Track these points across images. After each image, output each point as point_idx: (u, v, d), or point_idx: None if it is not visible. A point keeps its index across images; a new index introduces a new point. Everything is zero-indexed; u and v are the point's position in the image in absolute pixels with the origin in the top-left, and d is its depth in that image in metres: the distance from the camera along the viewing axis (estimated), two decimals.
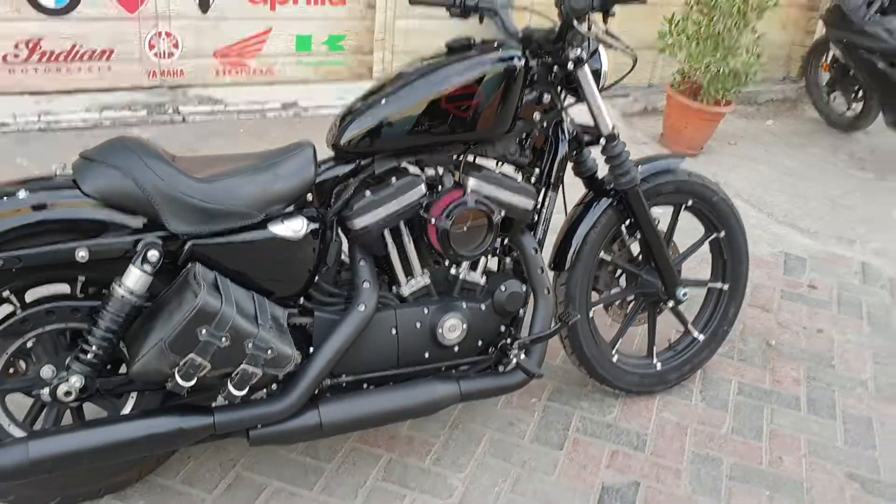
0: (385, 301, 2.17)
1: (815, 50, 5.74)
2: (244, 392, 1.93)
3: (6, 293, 1.87)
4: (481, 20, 2.31)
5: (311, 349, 2.07)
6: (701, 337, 2.80)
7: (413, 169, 2.17)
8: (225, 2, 4.35)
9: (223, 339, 1.81)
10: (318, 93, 4.63)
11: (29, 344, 1.90)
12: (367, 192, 2.08)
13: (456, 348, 2.25)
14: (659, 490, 2.39)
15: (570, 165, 2.42)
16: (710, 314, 2.82)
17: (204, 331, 1.79)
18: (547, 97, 2.27)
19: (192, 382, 1.85)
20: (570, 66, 2.22)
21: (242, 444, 2.20)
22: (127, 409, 2.01)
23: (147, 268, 1.82)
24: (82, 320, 1.89)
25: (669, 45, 4.70)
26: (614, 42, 2.24)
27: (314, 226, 2.01)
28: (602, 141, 2.37)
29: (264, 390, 2.05)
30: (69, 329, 1.92)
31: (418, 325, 2.19)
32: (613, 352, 2.64)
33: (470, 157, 2.22)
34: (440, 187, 2.17)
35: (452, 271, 2.26)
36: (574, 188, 2.46)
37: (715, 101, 4.69)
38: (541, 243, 2.35)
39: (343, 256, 2.18)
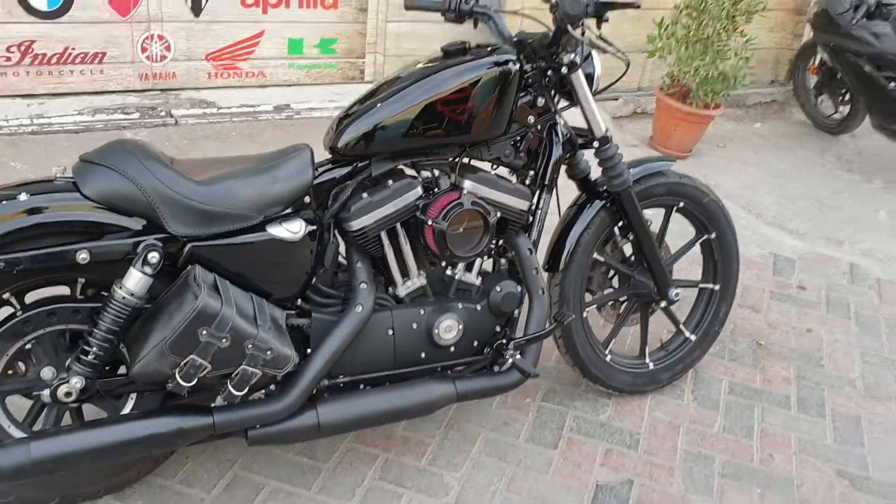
0: (382, 302, 2.20)
1: (803, 54, 5.80)
2: (244, 392, 1.95)
3: (7, 295, 1.88)
4: (475, 25, 2.35)
5: (309, 350, 2.08)
6: (692, 337, 2.83)
7: (409, 171, 2.20)
8: (217, 5, 4.36)
9: (223, 339, 1.83)
10: (310, 95, 4.65)
11: (29, 346, 1.91)
12: (364, 195, 2.11)
13: (452, 349, 2.27)
14: (652, 488, 2.42)
15: (563, 168, 2.45)
16: (702, 314, 2.86)
17: (204, 332, 1.81)
18: (541, 100, 2.30)
19: (193, 383, 1.87)
20: (564, 70, 2.25)
21: (240, 445, 2.22)
22: (126, 410, 2.02)
23: (147, 270, 1.84)
24: (83, 322, 1.91)
25: (659, 48, 4.73)
26: (607, 47, 2.27)
27: (312, 228, 2.03)
28: (595, 143, 2.41)
29: (263, 391, 2.07)
30: (69, 330, 1.94)
31: (414, 325, 2.21)
32: (607, 352, 2.67)
33: (465, 160, 2.25)
34: (436, 189, 2.19)
35: (448, 272, 2.29)
36: (567, 190, 2.49)
37: (704, 104, 4.73)
38: (535, 244, 2.38)
39: (340, 258, 2.20)
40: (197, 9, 4.33)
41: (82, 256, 1.80)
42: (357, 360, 2.16)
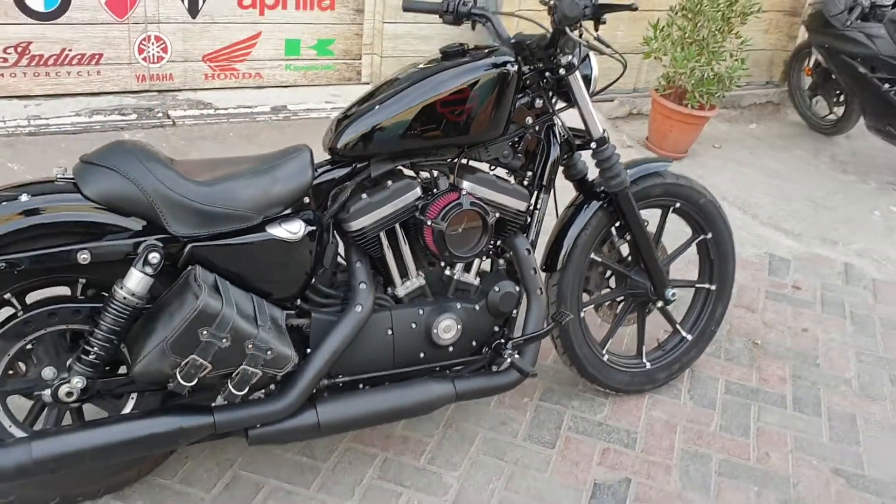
0: (381, 302, 2.21)
1: (798, 55, 5.82)
2: (244, 392, 1.96)
3: (7, 295, 1.89)
4: (473, 26, 2.36)
5: (308, 350, 2.09)
6: (689, 337, 2.85)
7: (408, 172, 2.21)
8: (214, 6, 4.36)
9: (224, 339, 1.84)
10: (307, 96, 4.66)
11: (30, 346, 1.92)
12: (364, 195, 2.12)
13: (451, 348, 2.28)
14: (650, 486, 2.44)
15: (560, 169, 2.46)
16: (698, 314, 2.87)
17: (205, 332, 1.82)
18: (539, 102, 2.31)
19: (194, 382, 1.88)
20: (562, 71, 2.26)
21: (240, 444, 2.24)
22: (127, 410, 2.03)
23: (148, 270, 1.85)
24: (83, 322, 1.92)
25: (654, 49, 4.75)
26: (605, 49, 2.28)
27: (311, 228, 2.04)
28: (593, 144, 2.42)
29: (263, 390, 2.08)
30: (70, 330, 1.94)
31: (413, 325, 2.22)
32: (604, 351, 2.68)
33: (464, 160, 2.26)
34: (435, 190, 2.21)
35: (447, 272, 2.30)
36: (565, 191, 2.51)
37: (699, 105, 4.75)
38: (533, 244, 2.39)
39: (339, 258, 2.21)
40: (194, 10, 4.33)
41: (83, 257, 1.81)
42: (356, 360, 2.17)
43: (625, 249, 2.66)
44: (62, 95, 4.16)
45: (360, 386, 2.21)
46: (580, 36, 2.21)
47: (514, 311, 2.37)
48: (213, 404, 1.99)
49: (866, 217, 4.55)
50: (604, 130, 2.42)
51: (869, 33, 4.95)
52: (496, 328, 2.37)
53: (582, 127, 2.41)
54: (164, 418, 1.93)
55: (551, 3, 2.18)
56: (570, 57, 2.26)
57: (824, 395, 2.95)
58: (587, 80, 2.37)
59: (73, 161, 1.92)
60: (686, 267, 3.13)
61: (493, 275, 2.41)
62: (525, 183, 2.37)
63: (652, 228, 2.64)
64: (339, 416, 2.12)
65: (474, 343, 2.33)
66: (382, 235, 2.16)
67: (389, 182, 2.14)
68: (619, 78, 2.37)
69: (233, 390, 1.94)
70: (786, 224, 4.30)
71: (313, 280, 2.12)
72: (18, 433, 1.96)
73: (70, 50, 4.11)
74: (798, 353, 3.17)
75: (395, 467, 2.38)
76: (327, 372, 2.10)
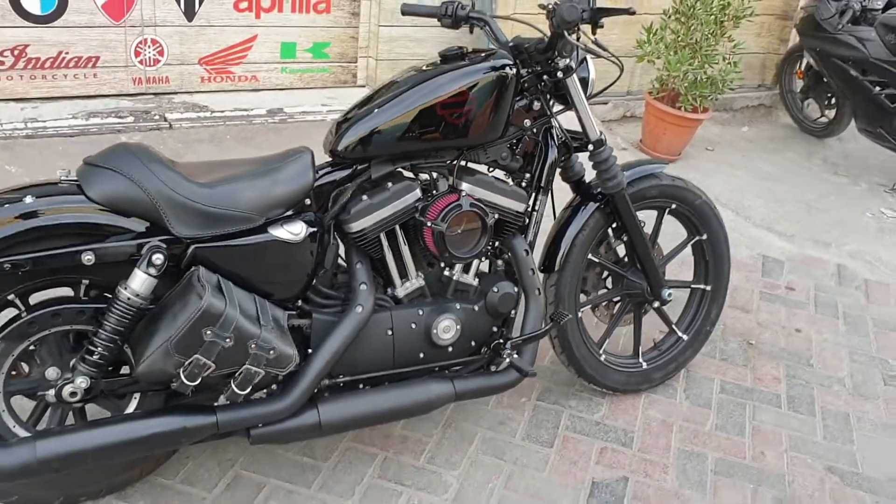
0: (381, 302, 2.23)
1: (790, 58, 5.87)
2: (247, 391, 1.97)
3: (11, 296, 1.90)
4: (471, 30, 2.39)
5: (310, 350, 2.11)
6: (685, 337, 2.87)
7: (408, 174, 2.23)
8: (210, 9, 4.38)
9: (227, 339, 1.85)
10: (303, 99, 4.67)
11: (33, 346, 1.93)
12: (364, 197, 2.14)
13: (450, 348, 2.30)
14: (647, 484, 2.46)
15: (557, 171, 2.49)
16: (694, 314, 2.90)
17: (209, 332, 1.84)
18: (537, 104, 2.34)
19: (197, 382, 1.89)
20: (560, 74, 2.29)
21: (241, 444, 2.25)
22: (130, 410, 2.04)
23: (152, 271, 1.86)
24: (87, 322, 1.93)
25: (648, 53, 4.79)
26: (602, 52, 2.31)
27: (312, 229, 2.06)
28: (590, 147, 2.45)
29: (264, 390, 2.10)
30: (74, 331, 1.96)
31: (413, 325, 2.24)
32: (601, 351, 2.71)
33: (463, 162, 2.28)
34: (435, 191, 2.23)
35: (446, 273, 2.32)
36: (562, 193, 2.53)
37: (692, 108, 4.79)
38: (531, 245, 2.42)
39: (340, 259, 2.23)
40: (190, 13, 4.34)
41: (87, 258, 1.82)
42: (357, 360, 2.19)
43: (621, 250, 2.69)
44: (59, 98, 4.17)
45: (361, 386, 2.23)
46: (578, 40, 2.24)
47: (513, 312, 2.39)
48: (215, 404, 2.00)
49: (858, 219, 4.59)
50: (601, 132, 2.45)
51: (860, 37, 4.98)
52: (495, 328, 2.39)
53: (579, 129, 2.44)
54: (168, 418, 1.95)
55: (550, 7, 2.21)
56: (567, 60, 2.28)
57: (818, 394, 2.98)
58: (584, 82, 2.40)
59: (70, 163, 1.94)
60: (680, 268, 3.16)
61: (491, 275, 2.44)
62: (523, 184, 2.40)
63: (648, 229, 2.66)
64: (340, 416, 2.14)
65: (473, 343, 2.35)
66: (382, 236, 2.18)
67: (389, 184, 2.16)
68: (615, 81, 2.40)
69: (236, 390, 1.96)
70: (779, 226, 4.34)
71: (314, 281, 2.14)
72: (22, 433, 1.96)
73: (67, 53, 4.12)
74: (792, 353, 3.20)
75: (394, 466, 2.40)
76: (328, 372, 2.12)
